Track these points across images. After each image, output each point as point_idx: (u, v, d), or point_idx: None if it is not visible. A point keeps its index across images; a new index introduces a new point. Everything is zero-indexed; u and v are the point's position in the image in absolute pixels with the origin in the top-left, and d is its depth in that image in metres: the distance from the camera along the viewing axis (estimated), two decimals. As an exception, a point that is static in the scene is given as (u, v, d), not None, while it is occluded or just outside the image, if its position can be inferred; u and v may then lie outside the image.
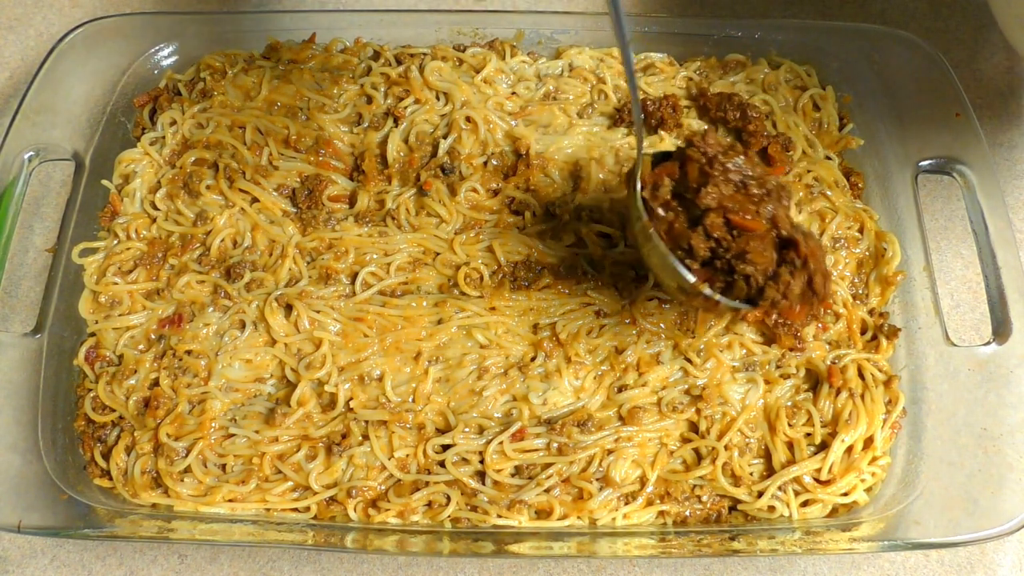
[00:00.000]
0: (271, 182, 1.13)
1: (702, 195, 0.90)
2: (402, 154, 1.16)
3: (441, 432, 1.01)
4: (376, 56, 1.23)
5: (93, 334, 1.06)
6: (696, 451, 1.01)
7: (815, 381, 1.04)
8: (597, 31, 1.23)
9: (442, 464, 0.99)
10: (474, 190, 1.13)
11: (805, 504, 1.00)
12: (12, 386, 1.01)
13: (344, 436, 1.00)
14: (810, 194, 1.13)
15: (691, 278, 0.92)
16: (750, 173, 0.92)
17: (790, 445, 1.01)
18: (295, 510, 1.00)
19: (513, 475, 0.99)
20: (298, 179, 1.14)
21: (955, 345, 1.03)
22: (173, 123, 1.17)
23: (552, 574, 1.04)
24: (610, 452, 1.00)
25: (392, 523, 0.98)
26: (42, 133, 1.12)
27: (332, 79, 1.19)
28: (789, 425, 1.01)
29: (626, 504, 0.99)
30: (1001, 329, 1.02)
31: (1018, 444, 0.97)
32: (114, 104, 1.18)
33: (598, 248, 1.09)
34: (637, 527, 0.99)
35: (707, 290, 0.92)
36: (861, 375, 1.03)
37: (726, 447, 0.99)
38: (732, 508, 1.01)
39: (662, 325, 1.05)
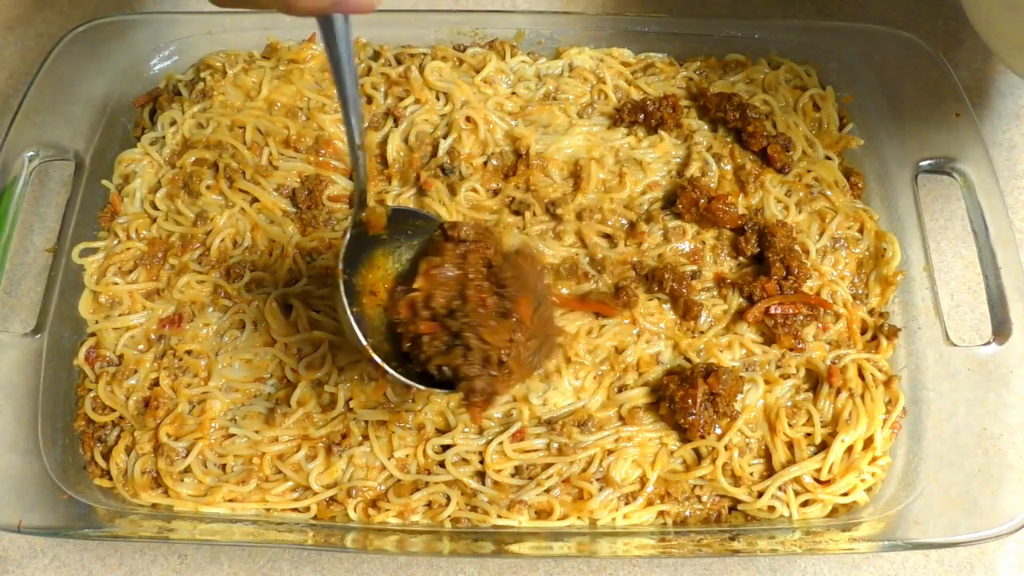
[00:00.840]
0: (271, 182, 1.13)
1: (424, 263, 0.90)
2: (402, 154, 1.16)
3: (441, 432, 1.01)
4: (376, 56, 1.23)
5: (93, 334, 1.06)
6: (696, 451, 1.01)
7: (815, 381, 1.04)
8: (597, 31, 1.23)
9: (442, 464, 0.99)
10: (474, 190, 1.13)
11: (805, 504, 0.99)
12: (12, 386, 1.00)
13: (344, 436, 1.00)
14: (810, 194, 1.13)
15: (362, 340, 0.88)
16: (475, 270, 0.90)
17: (790, 445, 1.01)
18: (295, 510, 0.99)
19: (513, 475, 0.99)
20: (298, 179, 1.14)
21: (955, 345, 1.03)
22: (173, 123, 1.17)
23: (552, 574, 1.04)
24: (610, 452, 1.00)
25: (392, 523, 0.98)
26: (42, 133, 1.12)
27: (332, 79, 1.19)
28: (789, 425, 1.01)
29: (626, 504, 0.99)
30: (1001, 329, 1.02)
31: (1018, 444, 0.97)
32: (114, 104, 1.17)
33: (598, 248, 1.09)
34: (637, 527, 0.99)
35: (376, 357, 0.88)
36: (861, 375, 1.03)
37: (726, 447, 0.99)
38: (732, 508, 1.01)
39: (662, 325, 1.05)
